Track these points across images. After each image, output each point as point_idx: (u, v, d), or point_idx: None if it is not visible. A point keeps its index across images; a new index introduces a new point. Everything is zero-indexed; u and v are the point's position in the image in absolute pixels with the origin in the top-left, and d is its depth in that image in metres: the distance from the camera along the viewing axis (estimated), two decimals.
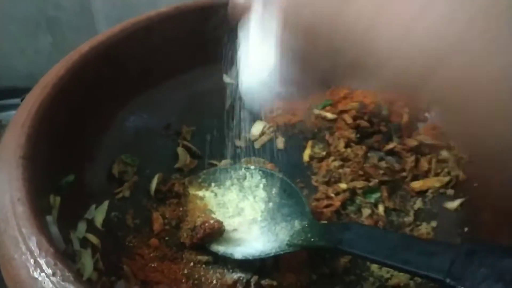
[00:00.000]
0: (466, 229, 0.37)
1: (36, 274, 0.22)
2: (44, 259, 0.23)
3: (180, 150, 0.44)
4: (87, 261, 0.30)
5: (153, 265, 0.34)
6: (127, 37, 0.40)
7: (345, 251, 0.29)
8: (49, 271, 0.22)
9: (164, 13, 0.43)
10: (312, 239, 0.32)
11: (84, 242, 0.32)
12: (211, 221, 0.35)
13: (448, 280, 0.22)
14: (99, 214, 0.36)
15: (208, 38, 0.46)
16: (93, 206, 0.36)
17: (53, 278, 0.22)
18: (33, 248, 0.23)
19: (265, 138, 0.47)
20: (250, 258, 0.34)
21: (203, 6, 0.44)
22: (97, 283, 0.30)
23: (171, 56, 0.45)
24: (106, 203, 0.36)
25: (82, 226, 0.33)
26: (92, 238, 0.33)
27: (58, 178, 0.34)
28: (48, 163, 0.32)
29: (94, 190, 0.37)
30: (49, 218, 0.29)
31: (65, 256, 0.24)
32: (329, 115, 0.47)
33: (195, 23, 0.44)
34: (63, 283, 0.22)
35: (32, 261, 0.23)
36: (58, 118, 0.34)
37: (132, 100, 0.43)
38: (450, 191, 0.40)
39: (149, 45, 0.42)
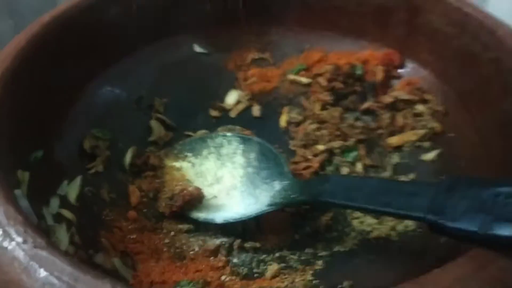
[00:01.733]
0: (443, 178, 0.37)
1: (5, 243, 0.21)
2: (13, 228, 0.22)
3: (153, 122, 0.43)
4: (62, 235, 0.29)
5: (132, 237, 0.34)
6: (91, 6, 0.39)
7: (325, 201, 0.29)
8: (19, 239, 0.21)
9: None
10: (292, 196, 0.32)
11: (59, 218, 0.31)
12: (190, 188, 0.35)
13: (429, 216, 0.22)
14: (72, 189, 0.34)
15: (177, 5, 0.45)
16: (65, 182, 0.35)
17: (24, 246, 0.21)
18: (0, 218, 0.22)
19: (240, 107, 0.46)
20: (232, 221, 0.34)
21: None
22: (74, 256, 0.29)
23: (139, 25, 0.43)
24: (78, 179, 0.35)
25: (55, 202, 0.32)
26: (67, 213, 0.32)
27: (26, 154, 0.32)
28: (13, 138, 0.31)
29: (65, 165, 0.36)
30: (17, 192, 0.28)
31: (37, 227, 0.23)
32: (304, 80, 0.47)
33: None
34: (35, 250, 0.21)
35: (0, 230, 0.22)
36: (21, 91, 0.33)
37: (101, 73, 0.41)
38: (427, 144, 0.40)
39: (115, 13, 0.41)
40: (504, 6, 0.48)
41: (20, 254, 0.21)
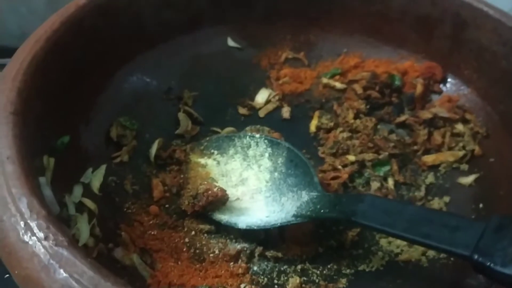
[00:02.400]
0: (481, 205, 0.35)
1: (26, 238, 0.21)
2: (36, 222, 0.21)
3: (181, 115, 0.42)
4: (83, 226, 0.29)
5: (152, 233, 0.33)
6: None
7: (359, 223, 0.27)
8: (41, 234, 0.21)
9: None
10: (322, 210, 0.30)
11: (80, 207, 0.31)
12: (214, 189, 0.33)
13: (476, 256, 0.20)
14: (96, 178, 0.34)
15: None
16: (90, 169, 0.34)
17: (45, 243, 0.20)
18: (23, 209, 0.21)
19: (270, 107, 0.45)
20: (255, 228, 0.33)
21: None
22: (94, 249, 0.28)
23: (174, 15, 0.42)
24: (103, 167, 0.35)
25: (78, 190, 0.32)
26: (89, 203, 0.31)
27: (53, 139, 0.32)
28: (41, 121, 0.30)
29: (91, 153, 0.35)
30: (42, 180, 0.27)
31: (59, 220, 0.22)
32: (338, 85, 0.45)
33: None
34: (56, 248, 0.20)
35: (22, 223, 0.21)
36: (52, 73, 0.32)
37: (132, 60, 0.40)
38: (464, 166, 0.38)
39: (149, 2, 0.40)
40: None
41: (40, 250, 0.20)
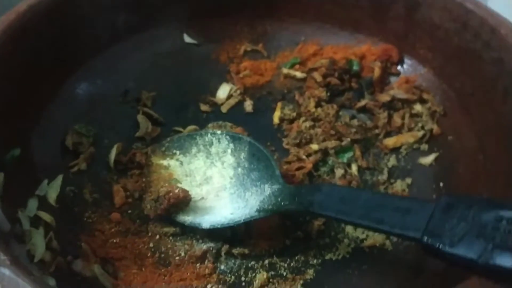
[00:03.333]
0: (441, 184, 0.35)
1: None
2: None
3: (140, 117, 0.41)
4: (38, 241, 0.28)
5: (115, 241, 0.32)
6: None
7: (316, 213, 0.27)
8: None
9: None
10: (282, 203, 0.30)
11: (36, 221, 0.30)
12: (176, 190, 0.33)
13: (425, 238, 0.20)
14: (52, 189, 0.33)
15: None
16: (45, 181, 0.33)
17: None
18: None
19: (232, 102, 0.44)
20: (219, 226, 0.32)
21: None
22: (51, 264, 0.27)
23: (124, 14, 0.41)
24: (60, 178, 0.34)
25: (33, 204, 0.31)
26: (45, 216, 0.30)
27: (2, 153, 0.31)
28: None
29: (46, 164, 0.34)
30: None
31: (5, 238, 0.22)
32: (298, 74, 0.45)
33: None
34: None
35: None
36: None
37: (83, 65, 0.39)
38: (424, 146, 0.39)
39: (97, 2, 0.39)
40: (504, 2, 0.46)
41: None
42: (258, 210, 0.32)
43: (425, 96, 0.41)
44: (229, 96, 0.44)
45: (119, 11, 0.40)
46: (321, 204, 0.27)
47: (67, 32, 0.37)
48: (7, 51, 0.32)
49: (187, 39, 0.46)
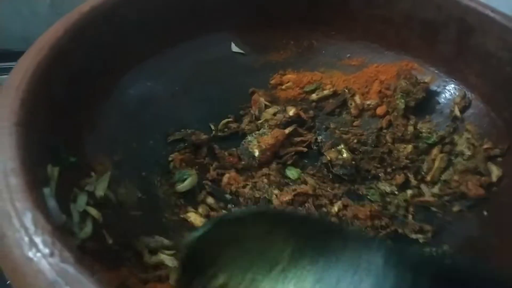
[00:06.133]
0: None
1: (31, 254, 0.20)
2: (41, 237, 0.21)
3: None
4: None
5: None
6: None
7: None
8: (46, 251, 0.20)
9: None
10: None
11: (84, 216, 0.31)
12: None
13: None
14: (100, 186, 0.34)
15: (217, 3, 0.43)
16: (94, 177, 0.34)
17: (50, 259, 0.20)
18: (27, 224, 0.21)
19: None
20: None
21: None
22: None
23: (178, 21, 0.42)
24: (107, 175, 0.34)
25: (82, 199, 0.31)
26: (93, 211, 0.31)
27: (57, 147, 0.32)
28: (45, 130, 0.30)
29: (96, 161, 0.35)
30: (46, 191, 0.27)
31: (65, 232, 0.22)
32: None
33: None
34: (62, 265, 0.20)
35: (26, 239, 0.21)
36: (56, 82, 0.31)
37: (135, 66, 0.40)
38: None
39: (153, 8, 0.40)
40: None
41: (45, 267, 0.20)
42: None
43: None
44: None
45: (174, 17, 0.41)
46: None
47: (123, 34, 0.38)
48: (68, 50, 0.33)
49: (234, 48, 0.46)
